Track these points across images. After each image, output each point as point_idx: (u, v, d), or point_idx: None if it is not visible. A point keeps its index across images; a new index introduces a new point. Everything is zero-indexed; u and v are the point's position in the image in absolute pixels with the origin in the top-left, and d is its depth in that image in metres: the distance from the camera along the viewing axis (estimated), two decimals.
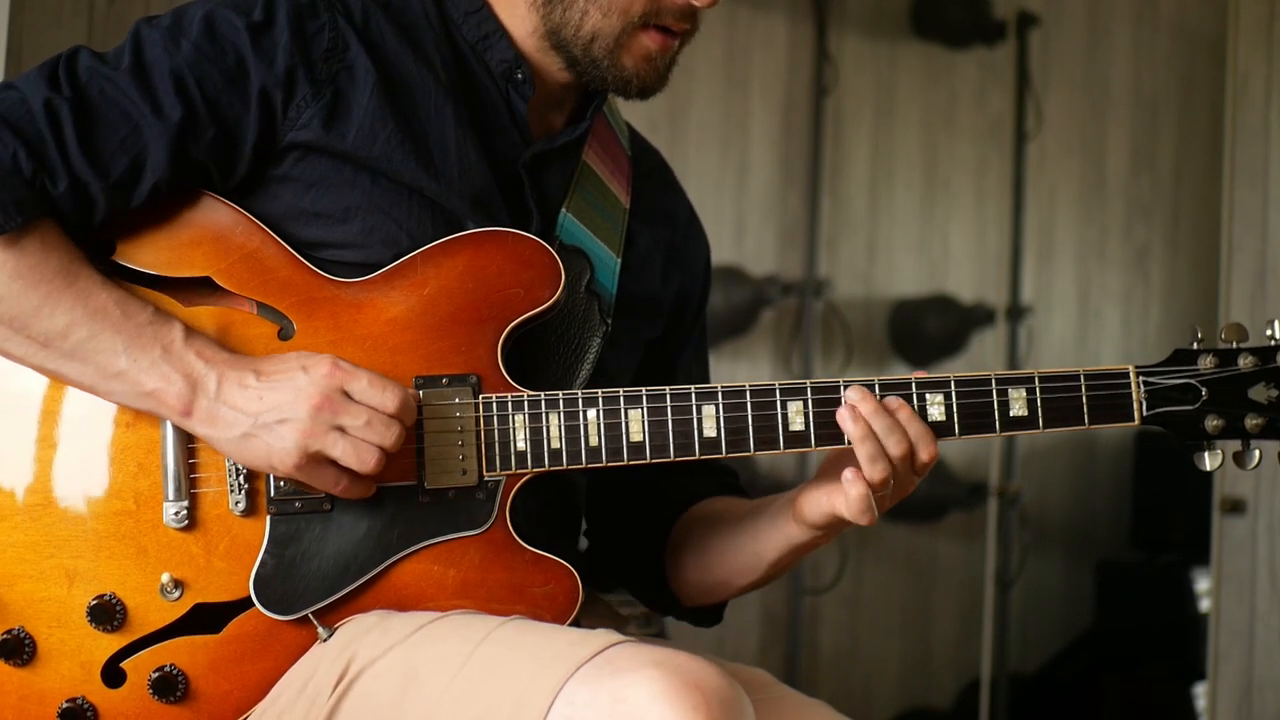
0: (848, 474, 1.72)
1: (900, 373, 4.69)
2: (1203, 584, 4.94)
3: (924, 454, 1.72)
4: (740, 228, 4.43)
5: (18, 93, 1.66)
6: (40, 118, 1.63)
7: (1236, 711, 3.83)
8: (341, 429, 1.63)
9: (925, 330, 4.79)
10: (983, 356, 4.90)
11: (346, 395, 1.63)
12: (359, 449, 1.63)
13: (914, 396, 1.73)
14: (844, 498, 1.73)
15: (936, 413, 1.73)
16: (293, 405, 1.62)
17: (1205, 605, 4.66)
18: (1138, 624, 5.15)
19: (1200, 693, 4.74)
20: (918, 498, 4.99)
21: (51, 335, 1.64)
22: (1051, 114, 5.09)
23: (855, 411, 1.70)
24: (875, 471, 1.70)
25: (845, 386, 1.73)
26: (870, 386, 1.73)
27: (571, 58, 1.82)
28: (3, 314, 1.63)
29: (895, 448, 1.70)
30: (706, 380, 2.09)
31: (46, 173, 1.63)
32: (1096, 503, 5.51)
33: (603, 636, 1.56)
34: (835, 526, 1.80)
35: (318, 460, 1.64)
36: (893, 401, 1.72)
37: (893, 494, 1.75)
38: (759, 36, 4.45)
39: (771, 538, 1.86)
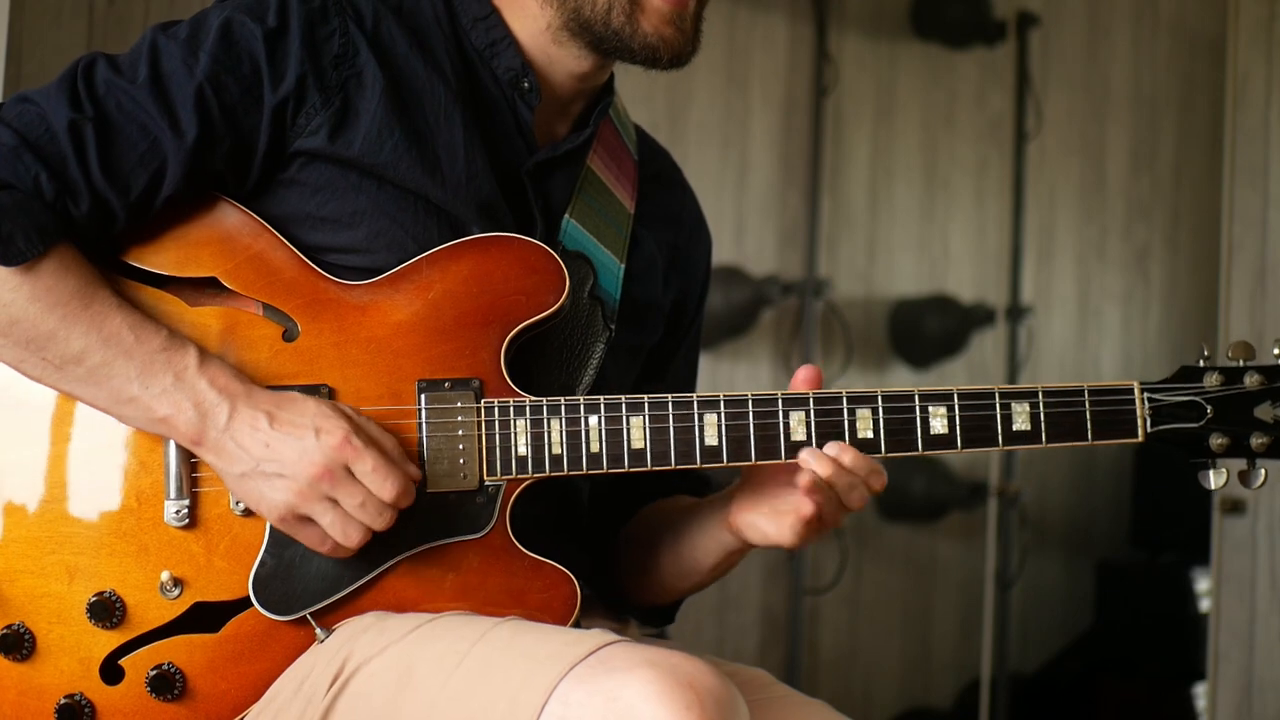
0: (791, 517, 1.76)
1: (900, 373, 4.65)
2: (1203, 584, 4.95)
3: (876, 485, 1.75)
4: (740, 228, 4.43)
5: (36, 108, 1.66)
6: (64, 139, 1.64)
7: (1236, 711, 3.83)
8: (335, 501, 1.63)
9: (925, 330, 4.79)
10: (983, 356, 4.91)
11: (349, 472, 1.63)
12: (347, 525, 1.63)
13: (916, 409, 1.73)
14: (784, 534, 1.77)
15: (939, 425, 1.73)
16: (294, 464, 1.62)
17: (1205, 605, 4.67)
18: (1138, 624, 5.15)
19: (1200, 693, 4.74)
20: (918, 498, 4.99)
21: (66, 359, 1.64)
22: (1051, 114, 5.09)
23: (815, 481, 1.72)
24: (835, 521, 1.76)
25: (847, 398, 1.73)
26: (872, 399, 1.73)
27: (595, 37, 1.81)
28: (19, 336, 1.64)
29: (857, 502, 1.74)
30: (693, 384, 2.09)
31: (69, 195, 1.64)
32: (1096, 503, 5.52)
33: (597, 636, 1.57)
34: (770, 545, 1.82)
35: (304, 520, 1.64)
36: (833, 448, 1.71)
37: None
38: (759, 36, 4.45)
39: (707, 545, 1.87)
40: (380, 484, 1.63)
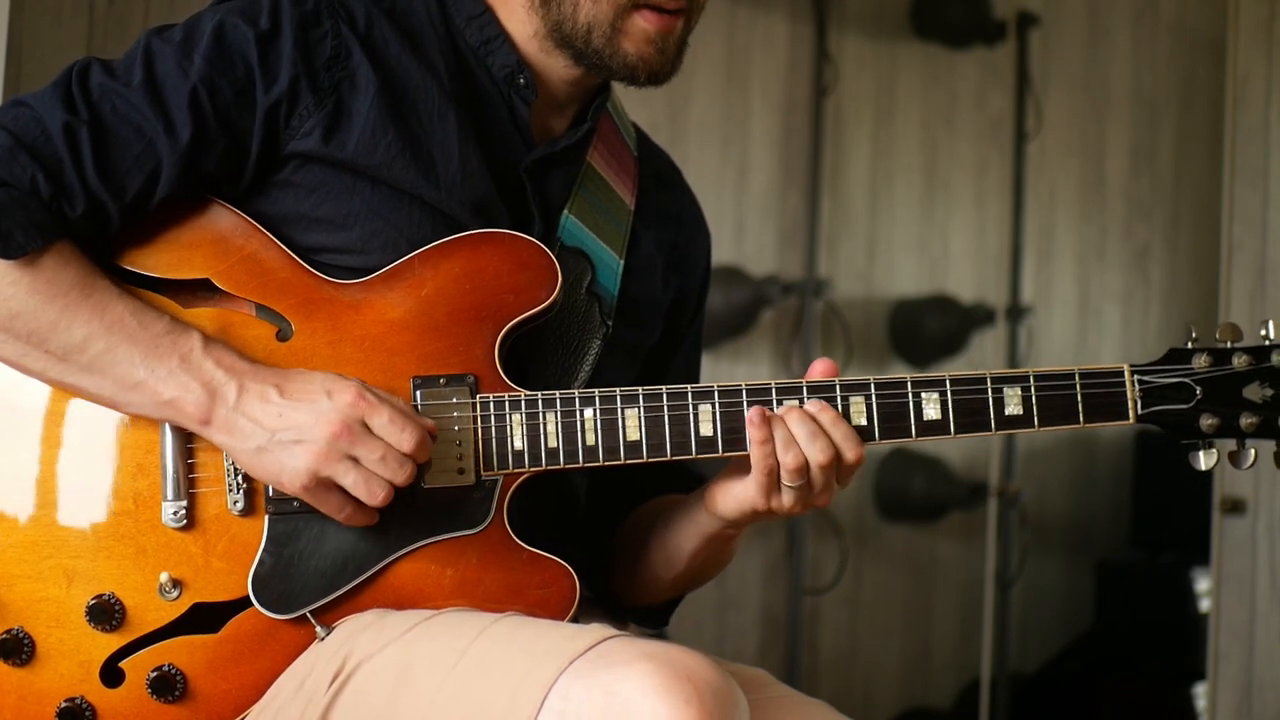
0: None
1: (900, 373, 4.69)
2: (1203, 584, 4.95)
3: (850, 455, 1.71)
4: (740, 228, 4.43)
5: (31, 111, 1.67)
6: (59, 141, 1.64)
7: (1236, 711, 3.83)
8: (355, 459, 1.63)
9: (925, 330, 4.79)
10: (983, 356, 4.90)
11: (366, 427, 1.63)
12: (370, 482, 1.64)
13: (909, 395, 1.73)
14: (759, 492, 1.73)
15: (932, 411, 1.73)
16: (312, 428, 1.62)
17: (1205, 605, 4.67)
18: (1138, 624, 5.15)
19: (1200, 693, 4.74)
20: (918, 498, 4.99)
21: (70, 349, 1.64)
22: (1051, 114, 5.09)
23: (763, 417, 1.69)
24: (788, 459, 1.70)
25: (841, 385, 1.73)
26: (865, 387, 1.73)
27: (576, 52, 1.82)
28: (21, 330, 1.64)
29: (819, 454, 1.70)
30: (695, 382, 2.08)
31: (64, 196, 1.64)
32: (1096, 503, 5.52)
33: (596, 631, 1.57)
34: (746, 518, 1.79)
35: (326, 485, 1.64)
36: (814, 405, 1.71)
37: (808, 499, 1.74)
38: (759, 36, 4.45)
39: (687, 530, 1.86)
40: (399, 434, 1.63)
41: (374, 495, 1.64)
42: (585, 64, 1.83)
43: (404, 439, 1.64)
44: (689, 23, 1.84)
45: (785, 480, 1.71)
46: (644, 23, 1.79)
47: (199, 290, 1.73)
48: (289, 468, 1.63)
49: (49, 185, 1.63)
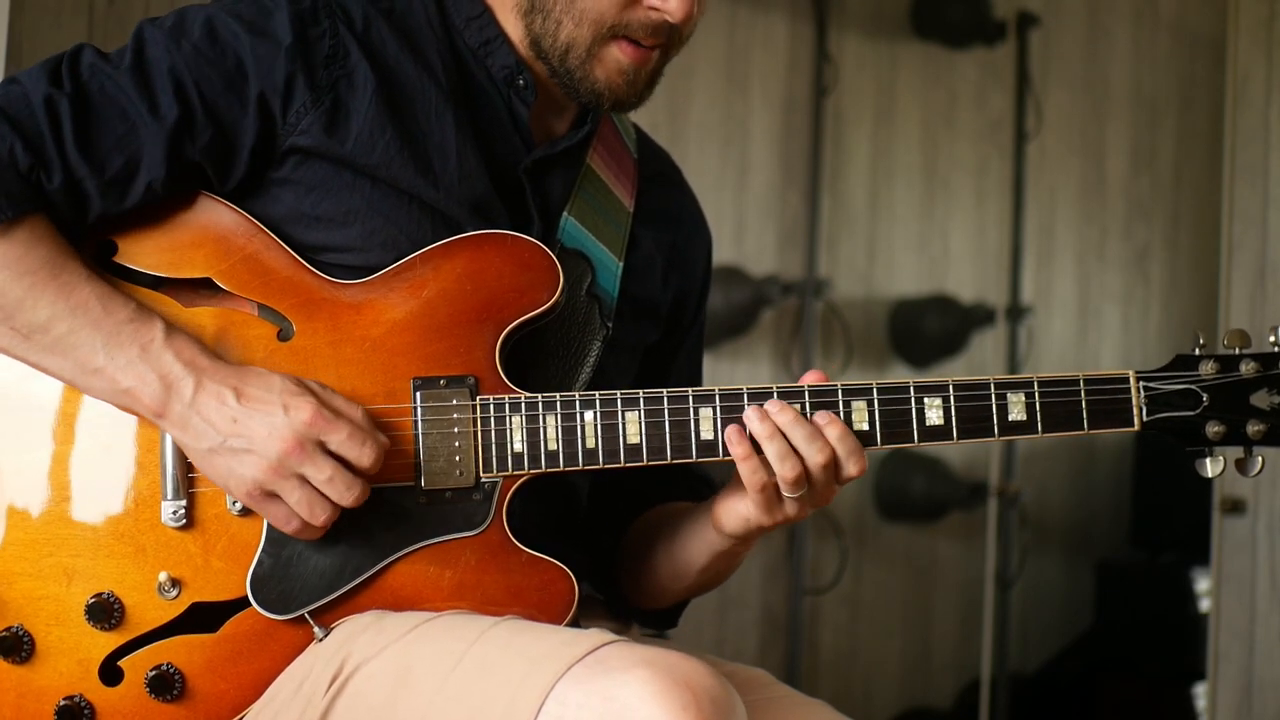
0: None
1: (900, 373, 4.68)
2: (1203, 584, 4.95)
3: (853, 469, 1.71)
4: (740, 228, 4.43)
5: (20, 87, 1.67)
6: (40, 113, 1.65)
7: (1236, 711, 3.83)
8: (303, 477, 1.63)
9: (925, 330, 4.79)
10: (983, 356, 4.90)
11: (321, 445, 1.63)
12: (313, 503, 1.63)
13: (912, 400, 1.73)
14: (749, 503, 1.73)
15: (935, 417, 1.73)
16: (264, 440, 1.62)
17: (1205, 605, 4.67)
18: (1138, 624, 5.15)
19: (1200, 693, 4.74)
20: (918, 498, 4.97)
21: (33, 328, 1.64)
22: (1051, 114, 5.09)
23: (740, 434, 1.69)
24: (785, 470, 1.69)
25: (843, 390, 1.73)
26: (868, 391, 1.73)
27: (551, 68, 1.82)
28: None
29: (818, 455, 1.69)
30: (697, 382, 2.08)
31: (42, 167, 1.64)
32: (1096, 503, 5.52)
33: (594, 636, 1.57)
34: (753, 534, 1.79)
35: (271, 497, 1.64)
36: (823, 416, 1.70)
37: (810, 501, 1.73)
38: (759, 36, 4.45)
39: (696, 545, 1.86)
40: (359, 450, 1.63)
41: (315, 517, 1.64)
42: (556, 79, 1.83)
43: (364, 454, 1.64)
44: (666, 56, 1.83)
45: (785, 492, 1.71)
46: (620, 54, 1.79)
47: (201, 289, 1.74)
48: (236, 474, 1.63)
49: (27, 156, 1.63)
